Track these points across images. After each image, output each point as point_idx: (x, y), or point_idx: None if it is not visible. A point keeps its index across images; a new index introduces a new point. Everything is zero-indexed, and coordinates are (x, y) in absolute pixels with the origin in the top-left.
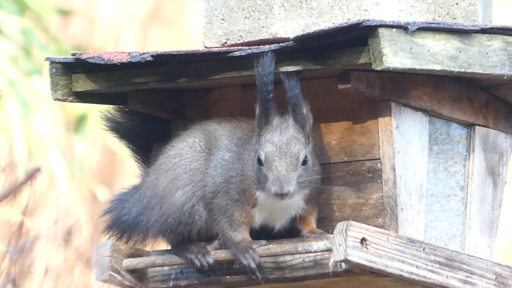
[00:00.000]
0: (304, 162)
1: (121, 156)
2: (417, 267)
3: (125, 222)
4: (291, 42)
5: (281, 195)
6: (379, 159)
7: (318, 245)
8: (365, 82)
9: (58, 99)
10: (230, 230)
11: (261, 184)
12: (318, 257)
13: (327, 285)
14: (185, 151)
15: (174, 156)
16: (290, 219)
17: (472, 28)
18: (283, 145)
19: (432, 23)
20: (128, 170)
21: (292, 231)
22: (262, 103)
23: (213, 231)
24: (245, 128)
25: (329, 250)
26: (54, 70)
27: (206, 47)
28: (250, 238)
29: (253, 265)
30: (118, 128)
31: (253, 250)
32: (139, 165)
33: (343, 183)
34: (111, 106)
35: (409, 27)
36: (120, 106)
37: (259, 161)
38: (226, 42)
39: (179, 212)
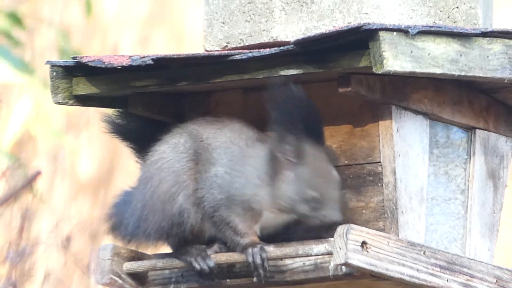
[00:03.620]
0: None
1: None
2: (417, 270)
3: (125, 235)
4: (292, 45)
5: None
6: (380, 162)
7: (319, 248)
8: (366, 85)
9: (59, 103)
10: (237, 237)
11: (307, 212)
12: (318, 260)
13: None
14: (167, 154)
15: (156, 161)
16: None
17: (472, 31)
18: (331, 175)
19: (432, 27)
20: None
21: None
22: (297, 134)
23: (206, 230)
24: (242, 139)
25: (330, 253)
26: (54, 74)
27: (206, 50)
28: (258, 240)
29: (258, 261)
30: (120, 130)
31: (261, 246)
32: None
33: (343, 186)
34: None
35: (409, 30)
36: (121, 109)
37: (313, 199)
38: (226, 46)
39: (170, 215)
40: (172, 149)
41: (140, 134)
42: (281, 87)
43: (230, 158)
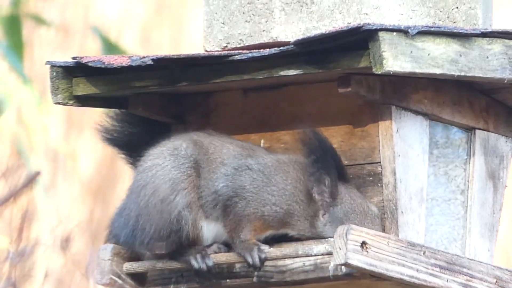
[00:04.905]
0: None
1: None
2: (417, 270)
3: (123, 243)
4: (292, 46)
5: None
6: (380, 162)
7: (319, 248)
8: (366, 85)
9: (59, 103)
10: (239, 234)
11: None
12: (318, 260)
13: None
14: (162, 159)
15: (150, 168)
16: None
17: (472, 31)
18: (369, 210)
19: (432, 27)
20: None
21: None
22: (331, 176)
23: (203, 237)
24: (268, 155)
25: (330, 253)
26: (54, 74)
27: (206, 50)
28: (256, 240)
29: (256, 260)
30: (116, 138)
31: (258, 247)
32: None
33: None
34: (108, 113)
35: (409, 30)
36: (119, 112)
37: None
38: (226, 46)
39: (168, 223)
40: (170, 153)
41: (138, 138)
42: (312, 136)
43: (263, 168)
